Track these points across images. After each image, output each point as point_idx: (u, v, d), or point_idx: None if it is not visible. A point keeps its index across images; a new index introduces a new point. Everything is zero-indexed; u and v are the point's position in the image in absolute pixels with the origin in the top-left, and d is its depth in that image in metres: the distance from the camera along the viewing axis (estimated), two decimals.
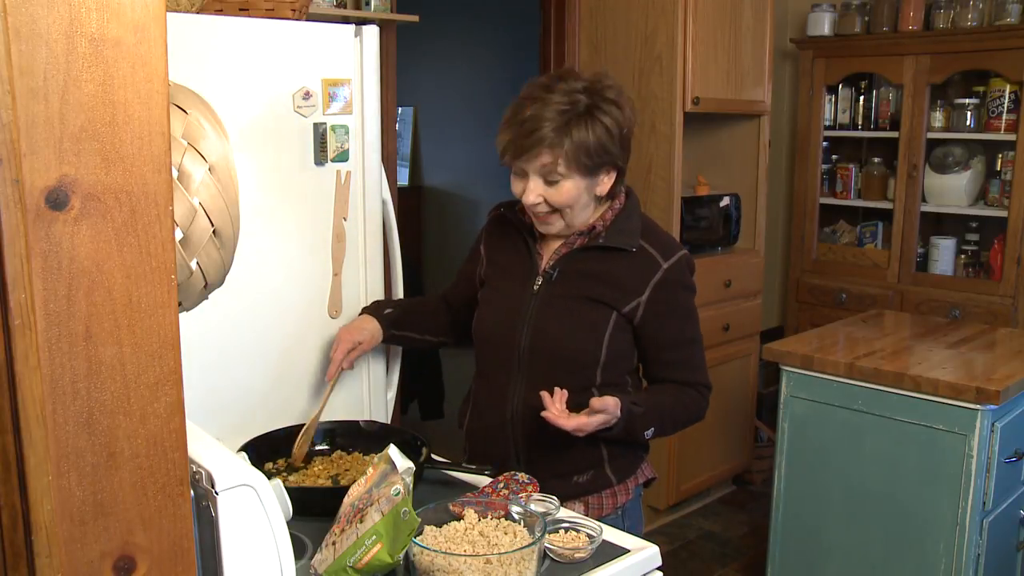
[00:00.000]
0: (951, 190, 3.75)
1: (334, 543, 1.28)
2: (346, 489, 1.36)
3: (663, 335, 1.72)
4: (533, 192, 1.64)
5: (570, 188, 1.63)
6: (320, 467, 1.75)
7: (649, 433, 1.69)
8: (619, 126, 1.63)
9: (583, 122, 1.59)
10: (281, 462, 1.76)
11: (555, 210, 1.66)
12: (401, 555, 1.23)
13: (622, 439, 1.67)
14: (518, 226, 1.79)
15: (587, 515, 1.65)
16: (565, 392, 1.60)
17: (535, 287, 1.73)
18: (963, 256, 3.81)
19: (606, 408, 1.57)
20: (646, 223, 1.76)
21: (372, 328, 1.89)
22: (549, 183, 1.63)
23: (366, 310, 1.95)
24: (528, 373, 1.70)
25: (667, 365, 1.75)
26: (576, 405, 1.61)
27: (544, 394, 1.59)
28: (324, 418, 1.82)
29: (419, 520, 1.25)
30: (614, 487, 1.76)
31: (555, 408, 1.58)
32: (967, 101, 3.66)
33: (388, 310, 1.93)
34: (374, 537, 1.21)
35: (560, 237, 1.74)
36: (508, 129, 1.63)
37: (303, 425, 1.80)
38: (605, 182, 1.67)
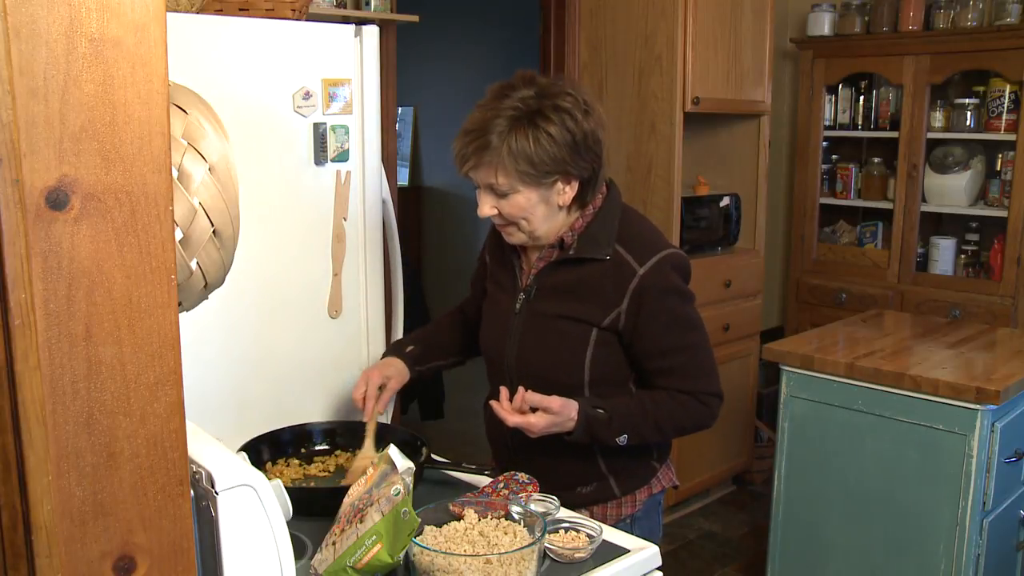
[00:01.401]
0: (951, 190, 3.74)
1: (334, 543, 1.28)
2: (346, 489, 1.36)
3: (649, 343, 1.62)
4: (486, 204, 1.59)
5: (521, 201, 1.56)
6: (320, 467, 1.75)
7: (622, 440, 1.61)
8: (571, 134, 1.52)
9: (523, 131, 1.51)
10: (281, 462, 1.76)
11: (513, 222, 1.60)
12: (401, 555, 1.23)
13: (587, 443, 1.61)
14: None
15: None
16: (530, 392, 1.57)
17: (517, 305, 1.70)
18: (963, 256, 3.80)
19: (549, 407, 1.54)
20: (626, 223, 1.65)
21: (399, 366, 1.81)
22: (499, 195, 1.57)
23: (388, 352, 1.88)
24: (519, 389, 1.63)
25: (658, 373, 1.64)
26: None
27: (502, 388, 1.59)
28: (324, 418, 1.82)
29: (419, 520, 1.25)
30: (619, 499, 1.73)
31: (505, 403, 1.57)
32: (967, 101, 3.66)
33: (409, 347, 1.86)
34: (374, 537, 1.21)
35: (537, 249, 1.68)
36: (457, 138, 1.57)
37: (304, 425, 1.80)
38: (566, 192, 1.58)
